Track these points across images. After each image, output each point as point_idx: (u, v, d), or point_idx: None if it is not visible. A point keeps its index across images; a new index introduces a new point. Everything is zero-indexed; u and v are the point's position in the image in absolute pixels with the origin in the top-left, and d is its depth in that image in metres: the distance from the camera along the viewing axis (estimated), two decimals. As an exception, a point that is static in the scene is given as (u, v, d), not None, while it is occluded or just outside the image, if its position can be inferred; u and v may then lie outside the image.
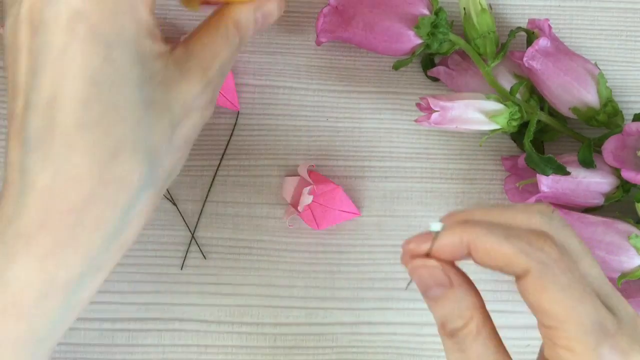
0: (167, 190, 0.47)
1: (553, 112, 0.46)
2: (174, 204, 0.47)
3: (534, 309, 0.31)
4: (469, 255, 0.32)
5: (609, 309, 0.31)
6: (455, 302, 0.31)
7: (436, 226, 0.31)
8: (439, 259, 0.32)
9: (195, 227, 0.47)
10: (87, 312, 0.46)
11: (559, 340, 0.30)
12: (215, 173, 0.48)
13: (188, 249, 0.47)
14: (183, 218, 0.47)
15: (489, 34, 0.45)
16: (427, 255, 0.32)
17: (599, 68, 0.45)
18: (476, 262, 0.32)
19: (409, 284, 0.34)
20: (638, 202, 0.44)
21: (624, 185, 0.44)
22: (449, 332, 0.32)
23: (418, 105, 0.44)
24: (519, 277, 0.31)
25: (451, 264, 0.32)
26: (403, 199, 0.48)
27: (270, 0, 0.38)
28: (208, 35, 0.36)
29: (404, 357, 0.47)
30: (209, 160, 0.48)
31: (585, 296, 0.30)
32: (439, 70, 0.47)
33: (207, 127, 0.48)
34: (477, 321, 0.31)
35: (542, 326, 0.31)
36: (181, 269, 0.47)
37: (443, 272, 0.32)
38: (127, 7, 0.33)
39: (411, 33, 0.44)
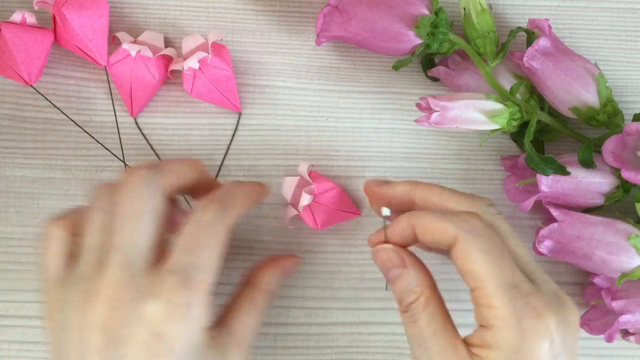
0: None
1: (553, 112, 0.46)
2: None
3: (463, 274, 0.35)
4: (415, 238, 0.37)
5: (532, 281, 0.35)
6: (409, 280, 0.37)
7: (386, 211, 0.38)
8: (394, 244, 0.38)
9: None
10: (87, 312, 0.46)
11: (481, 299, 0.34)
12: (217, 174, 0.48)
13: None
14: (188, 203, 0.47)
15: (489, 34, 0.45)
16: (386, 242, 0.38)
17: (599, 68, 0.45)
18: (420, 240, 0.37)
19: (387, 284, 0.39)
20: (638, 202, 0.44)
21: (624, 185, 0.44)
22: (404, 307, 0.37)
23: (418, 105, 0.44)
24: (451, 247, 0.36)
25: (405, 248, 0.38)
26: (403, 199, 0.48)
27: (288, 259, 0.44)
28: (245, 313, 0.39)
29: (404, 357, 0.47)
30: (210, 161, 0.48)
31: (502, 260, 0.35)
32: (439, 70, 0.47)
33: (208, 128, 0.48)
34: (426, 295, 0.36)
35: (470, 291, 0.35)
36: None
37: (398, 254, 0.37)
38: (197, 313, 0.35)
39: (411, 33, 0.44)
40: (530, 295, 0.34)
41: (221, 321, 0.39)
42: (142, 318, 0.34)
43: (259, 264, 0.43)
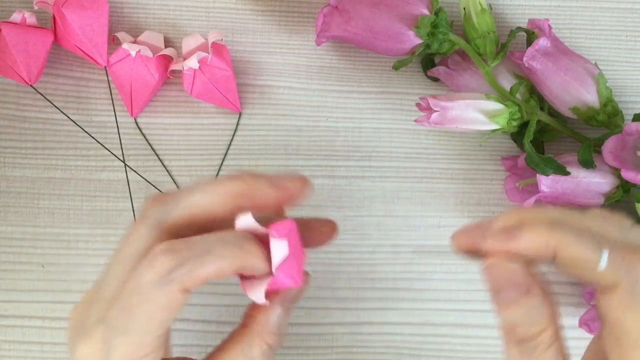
0: (157, 187, 0.47)
1: (553, 112, 0.46)
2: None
3: (612, 324, 0.29)
4: (552, 259, 0.30)
5: None
6: (530, 309, 0.30)
7: (604, 260, 0.29)
8: (519, 260, 0.30)
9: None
10: (87, 312, 0.46)
11: (629, 358, 0.29)
12: (217, 173, 0.48)
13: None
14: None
15: (489, 34, 0.45)
16: (505, 254, 0.30)
17: (599, 68, 0.45)
18: (558, 267, 0.30)
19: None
20: (638, 202, 0.44)
21: (624, 185, 0.44)
22: (518, 339, 0.30)
23: (418, 105, 0.44)
24: (603, 290, 0.29)
25: (531, 268, 0.30)
26: (403, 199, 0.48)
27: (294, 282, 0.32)
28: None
29: (404, 357, 0.47)
30: (209, 161, 0.48)
31: None
32: (439, 70, 0.47)
33: (207, 128, 0.48)
34: (551, 332, 0.30)
35: (613, 337, 0.29)
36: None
37: (524, 276, 0.30)
38: None
39: (411, 33, 0.44)
40: None
41: None
42: (76, 350, 0.32)
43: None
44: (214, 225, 0.32)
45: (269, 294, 0.32)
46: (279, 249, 0.32)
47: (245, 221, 0.32)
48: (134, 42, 0.47)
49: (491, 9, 0.46)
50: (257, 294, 0.32)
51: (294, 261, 0.32)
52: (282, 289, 0.33)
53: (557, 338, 0.30)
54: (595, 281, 0.29)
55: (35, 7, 0.46)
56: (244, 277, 0.33)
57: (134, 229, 0.33)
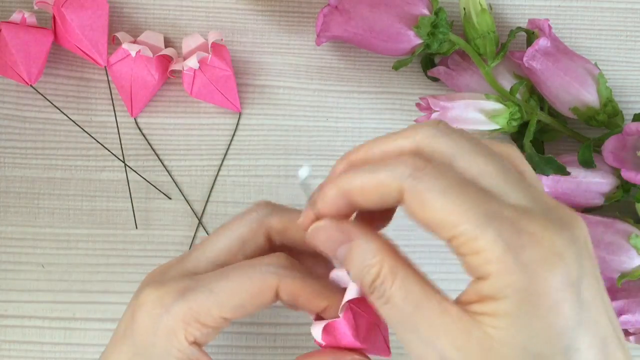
0: (158, 188, 0.47)
1: (553, 112, 0.46)
2: (184, 198, 0.47)
3: (428, 227, 0.28)
4: (353, 207, 0.30)
5: (510, 200, 0.27)
6: (361, 253, 0.29)
7: (304, 172, 0.29)
8: (331, 218, 0.30)
9: (197, 227, 0.47)
10: (87, 312, 0.46)
11: (462, 248, 0.27)
12: (217, 173, 0.48)
13: (190, 249, 0.47)
14: (188, 203, 0.47)
15: (489, 34, 0.45)
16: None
17: (599, 68, 0.45)
18: (363, 207, 0.30)
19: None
20: (638, 202, 0.44)
21: (624, 185, 0.44)
22: (369, 289, 0.29)
23: (418, 105, 0.44)
24: (401, 203, 0.28)
25: (345, 218, 0.30)
26: (403, 199, 0.48)
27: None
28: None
29: (404, 357, 0.47)
30: (209, 161, 0.48)
31: (465, 191, 0.27)
32: (439, 70, 0.47)
33: (207, 128, 0.48)
34: (388, 264, 0.29)
35: (449, 244, 0.28)
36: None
37: (338, 228, 0.30)
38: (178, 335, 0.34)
39: (411, 33, 0.44)
40: (519, 220, 0.26)
41: None
42: (138, 296, 0.35)
43: None
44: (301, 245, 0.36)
45: (329, 342, 0.34)
46: (353, 290, 0.32)
47: (339, 275, 0.34)
48: (134, 42, 0.47)
49: (491, 9, 0.46)
50: (315, 330, 0.34)
51: (378, 333, 0.34)
52: (344, 344, 0.33)
53: (398, 266, 0.29)
54: (392, 201, 0.29)
55: (35, 7, 0.46)
56: (318, 318, 0.35)
57: (235, 221, 0.36)
